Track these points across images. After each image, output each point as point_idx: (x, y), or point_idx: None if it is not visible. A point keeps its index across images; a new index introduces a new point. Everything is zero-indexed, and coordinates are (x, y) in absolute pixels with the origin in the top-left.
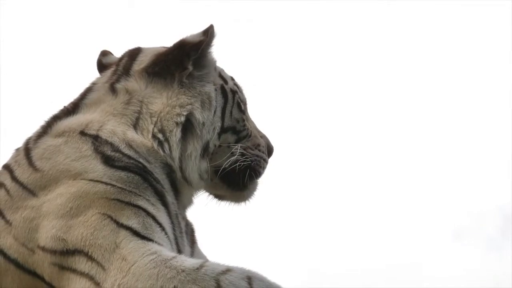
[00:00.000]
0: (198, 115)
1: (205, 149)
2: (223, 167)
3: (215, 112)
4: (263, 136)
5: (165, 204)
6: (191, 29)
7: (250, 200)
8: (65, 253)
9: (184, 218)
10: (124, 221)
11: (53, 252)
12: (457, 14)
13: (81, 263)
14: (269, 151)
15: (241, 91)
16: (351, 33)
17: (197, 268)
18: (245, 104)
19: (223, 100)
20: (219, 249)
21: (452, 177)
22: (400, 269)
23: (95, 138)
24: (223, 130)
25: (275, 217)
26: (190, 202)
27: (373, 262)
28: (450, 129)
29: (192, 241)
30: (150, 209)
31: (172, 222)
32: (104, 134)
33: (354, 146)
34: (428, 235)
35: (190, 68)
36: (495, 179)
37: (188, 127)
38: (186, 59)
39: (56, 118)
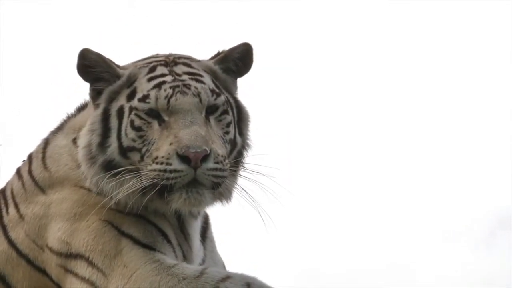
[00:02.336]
0: (84, 141)
1: (111, 168)
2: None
3: (105, 134)
4: (176, 141)
5: (163, 215)
6: (190, 29)
7: (191, 206)
8: (69, 256)
9: (200, 215)
10: (125, 229)
11: (59, 254)
12: (457, 14)
13: (82, 268)
14: (181, 157)
15: (151, 101)
16: (351, 33)
17: (198, 276)
18: (153, 113)
19: (118, 121)
20: (220, 248)
21: (445, 179)
22: (396, 269)
23: None
24: (126, 149)
25: (274, 216)
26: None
27: (369, 263)
28: (443, 132)
29: (204, 228)
30: (151, 216)
31: (173, 229)
32: None
33: (352, 148)
34: (421, 236)
35: (90, 94)
36: (487, 182)
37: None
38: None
39: (75, 111)
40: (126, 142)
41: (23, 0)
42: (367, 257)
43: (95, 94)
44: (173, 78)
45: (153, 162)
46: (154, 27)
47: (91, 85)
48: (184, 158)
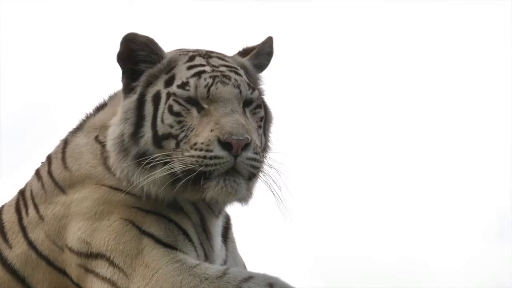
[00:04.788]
0: (116, 131)
1: (140, 161)
2: (171, 173)
3: (138, 123)
4: (218, 128)
5: (185, 212)
6: (190, 29)
7: (227, 196)
8: (89, 256)
9: (222, 215)
10: (147, 228)
11: (79, 254)
12: (457, 14)
13: (103, 268)
14: (222, 142)
15: (191, 89)
16: (351, 33)
17: (220, 276)
18: (191, 101)
19: (153, 107)
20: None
21: (457, 174)
22: (407, 262)
23: (104, 147)
24: (161, 138)
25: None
26: (222, 204)
27: (380, 252)
28: (461, 131)
29: (226, 229)
30: (172, 215)
31: (195, 227)
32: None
33: (357, 148)
34: (433, 231)
35: (123, 81)
36: (497, 177)
37: (118, 145)
38: (122, 74)
39: (94, 111)
40: (161, 130)
41: None
42: (380, 247)
43: (129, 80)
44: (212, 69)
45: (191, 148)
46: (154, 27)
47: (126, 72)
48: (225, 145)
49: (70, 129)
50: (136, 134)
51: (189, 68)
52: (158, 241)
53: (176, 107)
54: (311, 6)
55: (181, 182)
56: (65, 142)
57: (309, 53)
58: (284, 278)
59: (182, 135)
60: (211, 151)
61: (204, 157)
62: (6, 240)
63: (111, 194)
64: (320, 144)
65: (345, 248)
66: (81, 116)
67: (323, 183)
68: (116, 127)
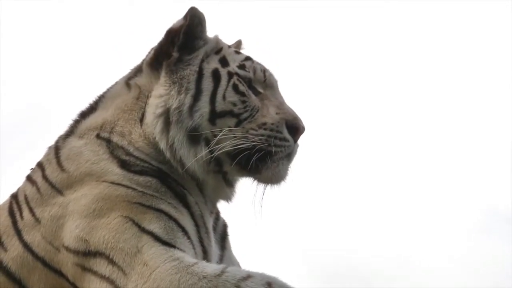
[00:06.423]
0: (173, 101)
1: (193, 135)
2: (226, 151)
3: (196, 96)
4: (283, 113)
5: (187, 205)
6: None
7: (279, 179)
8: (87, 254)
9: (214, 213)
10: (146, 225)
11: (76, 252)
12: (457, 13)
13: (102, 266)
14: (289, 126)
15: (250, 71)
16: (351, 33)
17: (218, 275)
18: (249, 83)
19: (213, 83)
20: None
21: (445, 173)
22: (398, 261)
23: (108, 142)
24: (218, 115)
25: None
26: (221, 195)
27: (370, 251)
28: (438, 129)
29: (223, 238)
30: (172, 212)
31: (196, 224)
32: (114, 138)
33: (346, 146)
34: (423, 228)
35: (175, 54)
36: (484, 175)
37: (168, 116)
38: (171, 47)
39: (81, 116)
40: (221, 106)
41: None
42: (369, 249)
43: (181, 52)
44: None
45: (260, 128)
46: (154, 27)
47: (180, 44)
48: (291, 129)
49: (59, 136)
50: (192, 107)
51: (237, 52)
52: (157, 238)
53: (241, 87)
54: (311, 6)
55: (238, 159)
56: (57, 148)
57: (308, 53)
58: (283, 277)
59: (246, 114)
60: (281, 132)
61: (275, 137)
62: (0, 243)
63: (112, 189)
64: (311, 141)
65: (335, 247)
66: (68, 122)
67: (317, 182)
68: (170, 97)
